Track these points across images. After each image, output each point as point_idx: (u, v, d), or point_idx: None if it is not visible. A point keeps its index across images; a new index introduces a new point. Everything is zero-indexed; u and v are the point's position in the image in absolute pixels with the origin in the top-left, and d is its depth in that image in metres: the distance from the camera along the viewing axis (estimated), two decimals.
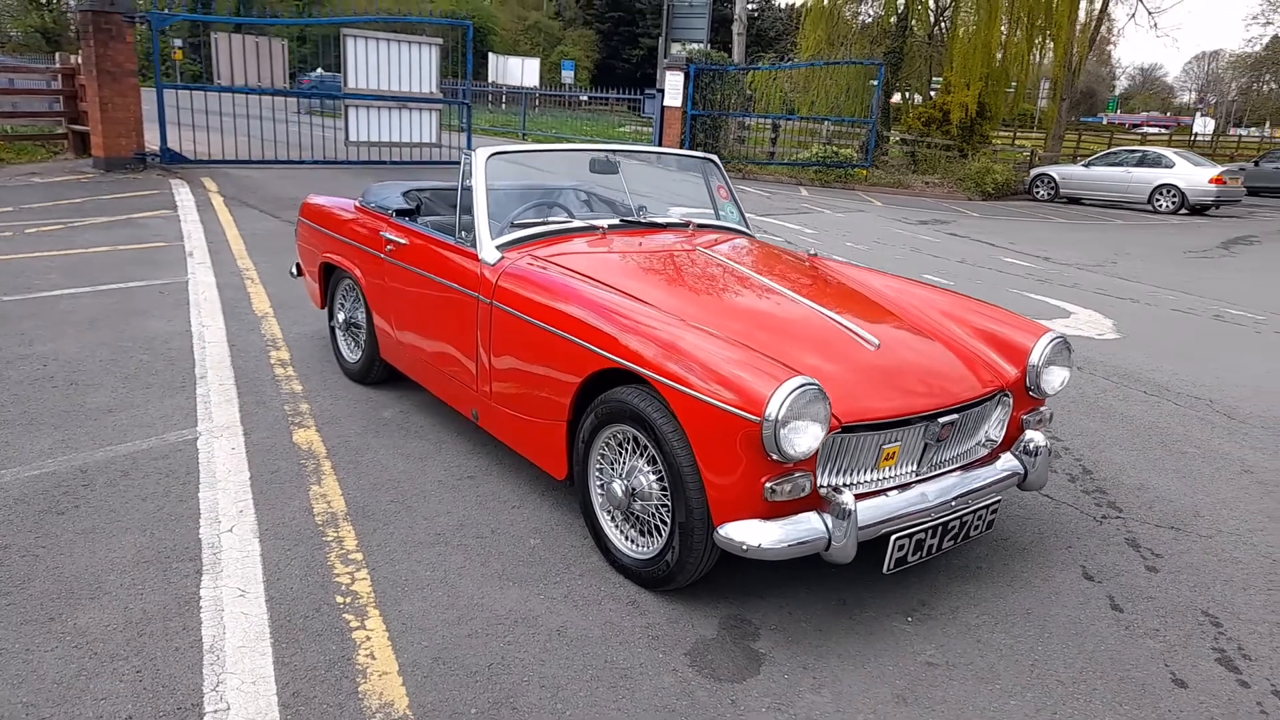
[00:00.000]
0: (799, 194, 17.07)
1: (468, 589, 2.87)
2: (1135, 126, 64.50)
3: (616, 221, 3.94)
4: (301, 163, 14.40)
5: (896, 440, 2.77)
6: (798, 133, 21.00)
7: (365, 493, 3.48)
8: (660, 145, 18.89)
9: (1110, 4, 28.09)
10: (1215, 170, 19.99)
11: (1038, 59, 24.42)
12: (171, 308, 5.94)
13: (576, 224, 3.84)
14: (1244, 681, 2.64)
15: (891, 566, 2.72)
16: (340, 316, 4.71)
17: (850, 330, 3.05)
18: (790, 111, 22.32)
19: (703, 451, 2.56)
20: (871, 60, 20.29)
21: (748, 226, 4.41)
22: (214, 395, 4.39)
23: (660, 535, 2.84)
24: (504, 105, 37.43)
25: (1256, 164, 27.14)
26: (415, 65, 14.74)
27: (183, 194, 11.10)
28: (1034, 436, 3.14)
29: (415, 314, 3.97)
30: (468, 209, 3.72)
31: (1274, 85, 75.88)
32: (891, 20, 23.74)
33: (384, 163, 15.05)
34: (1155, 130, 56.50)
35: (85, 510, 3.21)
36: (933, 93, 26.19)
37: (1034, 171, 22.45)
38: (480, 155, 3.72)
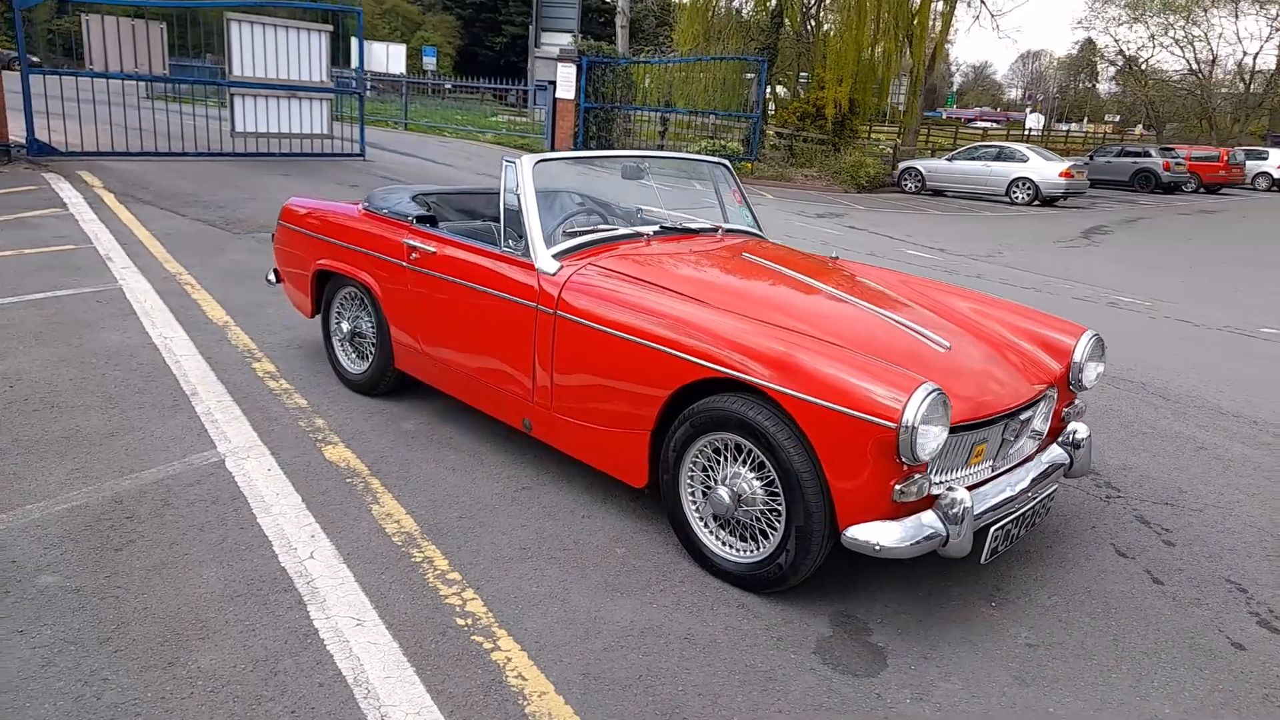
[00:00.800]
0: (695, 188, 17.35)
1: (580, 602, 2.88)
2: (970, 121, 68.76)
3: (657, 228, 3.99)
4: (183, 155, 13.54)
5: (985, 438, 2.97)
6: (684, 126, 21.33)
7: (429, 510, 3.41)
8: (553, 138, 18.81)
9: (957, 5, 29.82)
10: (1065, 165, 21.63)
11: (902, 58, 25.67)
12: (117, 318, 5.55)
13: (623, 231, 3.87)
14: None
15: (988, 557, 2.91)
16: (343, 326, 4.54)
17: (920, 334, 3.23)
18: (669, 104, 22.65)
19: (830, 458, 2.67)
20: (755, 57, 20.82)
21: (761, 230, 4.54)
22: (217, 414, 4.16)
23: (767, 539, 2.94)
24: (378, 94, 36.21)
25: (1091, 158, 29.49)
26: (304, 52, 14.10)
27: (65, 190, 10.27)
28: (1078, 428, 3.42)
29: (449, 324, 3.90)
30: (513, 217, 3.68)
31: (1089, 84, 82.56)
32: (765, 16, 24.41)
33: (274, 155, 14.34)
34: (990, 125, 60.42)
35: (144, 545, 3.02)
36: (800, 89, 27.16)
37: (901, 165, 23.66)
38: (526, 162, 3.69)
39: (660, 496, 3.27)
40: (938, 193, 22.68)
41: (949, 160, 23.11)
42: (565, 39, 34.34)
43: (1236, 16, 46.80)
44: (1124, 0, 44.43)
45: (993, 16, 39.04)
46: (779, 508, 2.87)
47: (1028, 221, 17.23)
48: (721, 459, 3.01)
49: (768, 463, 2.85)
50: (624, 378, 3.21)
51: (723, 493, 2.96)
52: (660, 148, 20.32)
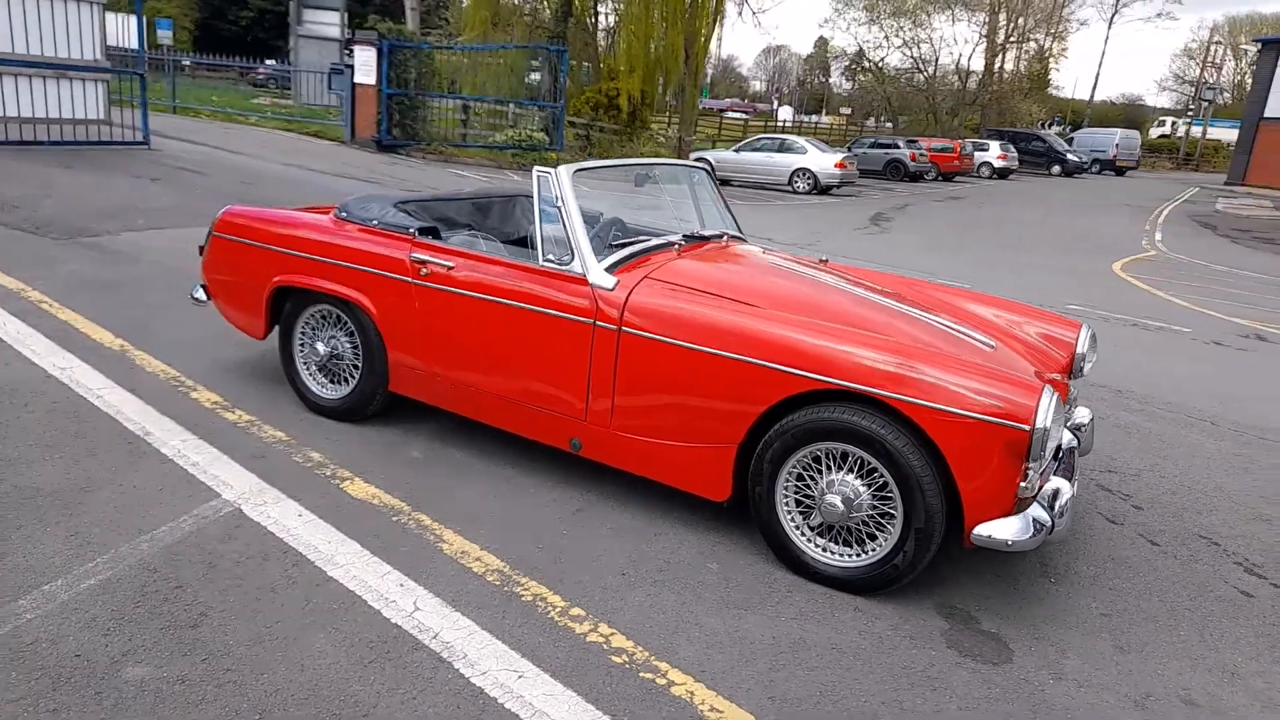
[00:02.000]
0: (513, 179, 17.11)
1: (714, 624, 2.86)
2: (723, 111, 72.52)
3: (680, 237, 3.97)
4: None
5: None
6: (487, 114, 20.90)
7: (502, 543, 3.22)
8: (353, 126, 17.79)
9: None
10: (839, 156, 23.40)
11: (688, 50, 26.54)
12: None
13: (656, 242, 3.81)
14: (1275, 584, 3.52)
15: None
16: (318, 348, 4.12)
17: (967, 335, 3.47)
18: (454, 90, 22.07)
19: (960, 462, 2.82)
20: (555, 46, 20.77)
21: (741, 232, 4.62)
22: (193, 456, 3.67)
23: (875, 542, 3.05)
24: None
25: (849, 150, 32.05)
26: (74, 27, 12.39)
27: None
28: (1083, 412, 3.81)
29: (473, 344, 3.67)
30: (551, 229, 3.53)
31: (823, 79, 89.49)
32: (555, 5, 24.39)
33: (42, 143, 12.49)
34: (740, 115, 63.84)
35: (219, 617, 2.65)
36: (585, 79, 27.40)
37: (693, 156, 24.57)
38: (564, 173, 3.54)
39: (738, 508, 3.30)
40: (725, 182, 23.73)
41: (736, 152, 24.28)
42: (332, 16, 32.41)
43: (953, 21, 52.55)
44: (862, 3, 48.54)
45: (755, 14, 41.20)
46: (891, 511, 2.99)
47: (820, 209, 18.49)
48: (823, 468, 3.09)
49: (881, 468, 2.96)
50: (710, 393, 3.19)
51: (834, 500, 3.03)
52: (464, 137, 19.81)
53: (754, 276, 3.66)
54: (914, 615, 3.02)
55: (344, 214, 4.07)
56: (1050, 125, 56.67)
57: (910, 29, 49.40)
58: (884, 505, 3.01)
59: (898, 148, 31.86)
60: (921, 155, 31.32)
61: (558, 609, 2.85)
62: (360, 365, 4.03)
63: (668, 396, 3.29)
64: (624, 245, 3.67)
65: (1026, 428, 2.73)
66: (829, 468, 3.08)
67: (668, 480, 3.40)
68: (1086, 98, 64.42)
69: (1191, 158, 55.44)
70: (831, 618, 2.96)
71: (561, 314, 3.44)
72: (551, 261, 3.51)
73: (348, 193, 11.99)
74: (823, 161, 22.97)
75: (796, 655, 2.73)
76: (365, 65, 17.03)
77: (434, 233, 3.92)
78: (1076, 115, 63.75)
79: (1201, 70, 58.02)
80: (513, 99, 21.08)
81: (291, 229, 4.12)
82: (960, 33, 74.14)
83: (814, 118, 75.61)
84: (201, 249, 4.48)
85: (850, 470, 3.04)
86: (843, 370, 2.96)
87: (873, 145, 32.68)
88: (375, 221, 3.95)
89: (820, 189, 22.77)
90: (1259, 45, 42.27)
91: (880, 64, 51.76)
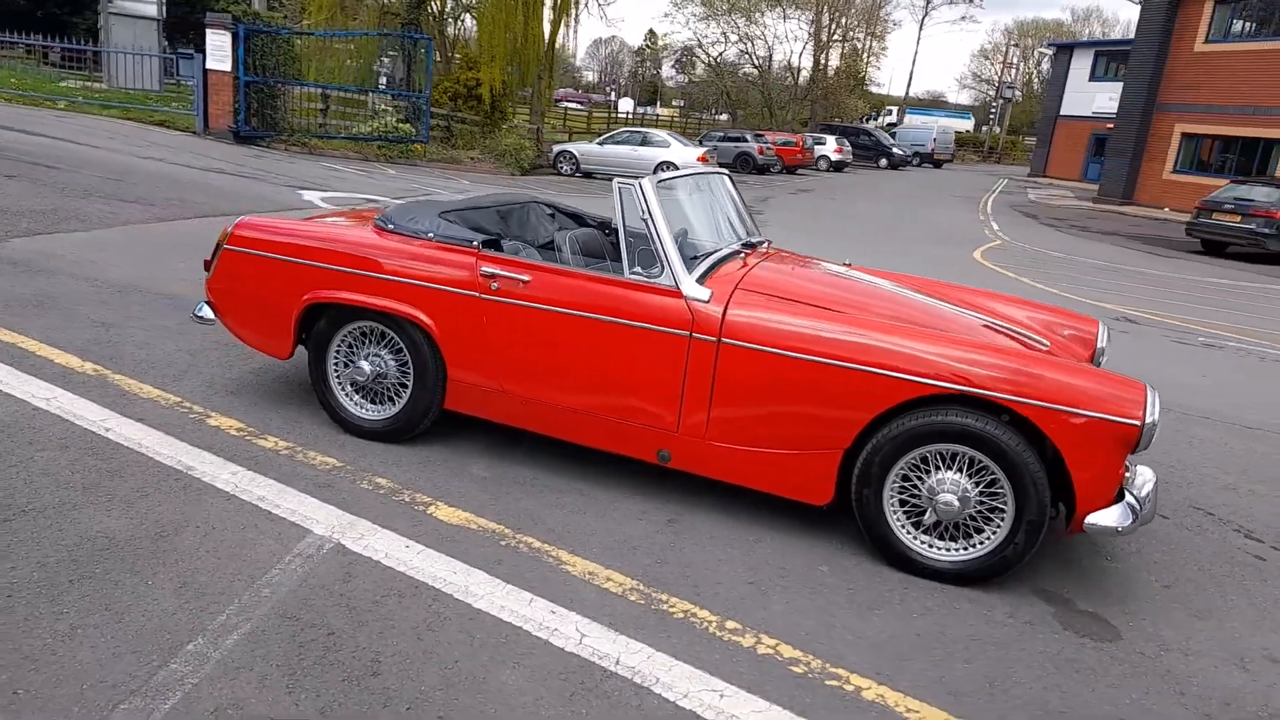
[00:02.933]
0: (387, 172, 16.47)
1: (857, 625, 2.97)
2: (558, 102, 72.41)
3: (739, 245, 4.03)
4: None
5: None
6: (343, 103, 19.97)
7: (620, 560, 3.21)
8: (206, 115, 16.58)
9: None
10: (700, 150, 23.96)
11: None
12: None
13: (726, 251, 3.86)
14: (1275, 547, 3.99)
15: None
16: (363, 368, 3.89)
17: (1023, 335, 3.73)
18: (299, 78, 20.97)
19: (1075, 457, 3.05)
20: (421, 35, 20.11)
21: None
22: (254, 489, 3.42)
23: (983, 535, 3.25)
24: None
25: (700, 142, 32.83)
26: None
27: None
28: None
29: (553, 358, 3.60)
30: (636, 242, 3.52)
31: (654, 71, 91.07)
32: None
33: None
34: (576, 106, 63.91)
35: (394, 663, 2.52)
36: (439, 68, 26.65)
37: (556, 148, 24.47)
38: (649, 185, 3.52)
39: (838, 510, 3.42)
40: (589, 175, 23.82)
41: (600, 144, 24.36)
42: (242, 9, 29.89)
43: (784, 19, 54.65)
44: None
45: (600, 5, 41.29)
46: (999, 505, 3.19)
47: None
48: (931, 467, 3.25)
49: (992, 466, 3.15)
50: (819, 401, 3.29)
51: (949, 498, 3.20)
52: (323, 127, 18.87)
53: (829, 283, 3.79)
54: (1020, 602, 3.24)
55: (390, 226, 3.88)
56: (872, 119, 60.20)
57: (745, 25, 51.00)
58: (991, 500, 3.21)
59: (746, 141, 32.92)
60: (768, 149, 32.46)
61: (713, 623, 2.88)
62: (410, 384, 3.86)
63: (772, 406, 3.36)
64: (703, 256, 3.69)
65: (1138, 423, 2.99)
66: (936, 467, 3.25)
67: (766, 488, 3.48)
68: (901, 94, 68.79)
69: (995, 151, 60.36)
70: (954, 610, 3.14)
71: (655, 326, 3.44)
72: (639, 274, 3.50)
73: (228, 190, 11.23)
74: (685, 155, 23.40)
75: (946, 649, 2.89)
76: (219, 50, 15.89)
77: (495, 244, 3.81)
78: (885, 111, 67.88)
79: (1002, 71, 63.27)
80: (373, 88, 20.23)
81: (328, 242, 3.88)
82: (791, 29, 77.27)
83: (651, 109, 76.88)
84: (208, 263, 4.13)
85: (957, 469, 3.22)
86: (963, 377, 3.12)
87: (723, 139, 33.60)
88: (431, 234, 3.79)
89: None
90: (1052, 50, 46.58)
91: (719, 59, 53.16)
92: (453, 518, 3.38)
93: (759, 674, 2.64)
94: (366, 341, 3.95)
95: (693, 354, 3.42)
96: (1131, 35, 30.87)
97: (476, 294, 3.65)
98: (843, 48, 55.95)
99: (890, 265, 11.77)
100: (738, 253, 3.93)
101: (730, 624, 2.89)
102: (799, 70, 53.53)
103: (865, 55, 59.58)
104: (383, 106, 20.32)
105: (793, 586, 3.17)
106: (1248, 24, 25.84)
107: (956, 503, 3.21)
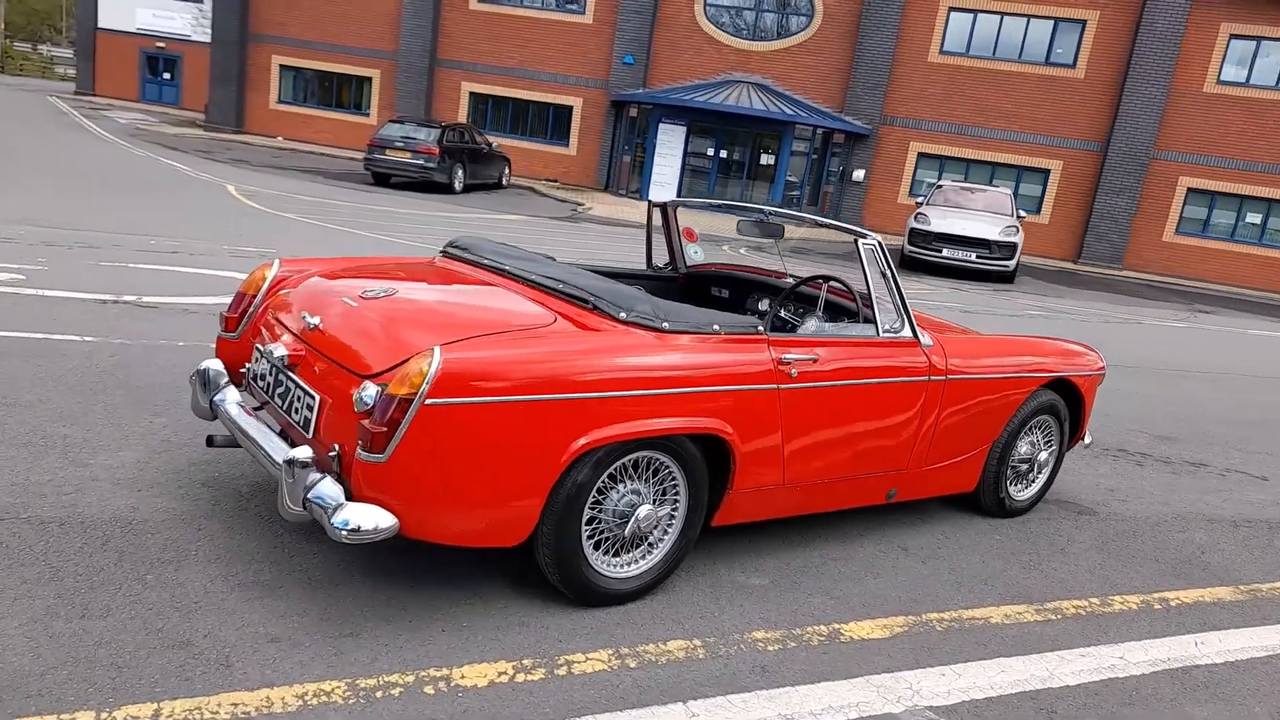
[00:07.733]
0: None
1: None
2: None
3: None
4: None
5: None
6: None
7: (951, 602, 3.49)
8: None
9: None
10: None
11: None
12: None
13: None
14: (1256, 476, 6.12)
15: None
16: (640, 513, 2.83)
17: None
18: None
19: (1090, 403, 4.52)
20: None
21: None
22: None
23: (1033, 480, 4.50)
24: None
25: None
26: None
27: None
28: None
29: (827, 437, 3.38)
30: (882, 300, 3.57)
31: None
32: None
33: None
34: None
35: None
36: None
37: None
38: (874, 241, 3.53)
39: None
40: None
41: None
42: None
43: None
44: None
45: None
46: (1050, 453, 4.49)
47: None
48: (1036, 433, 4.34)
49: (1053, 425, 4.42)
50: (989, 406, 4.02)
51: (1046, 455, 4.36)
52: None
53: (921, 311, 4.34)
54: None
55: (666, 325, 2.89)
56: None
57: None
58: (1048, 449, 4.46)
59: None
60: None
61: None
62: (679, 517, 3.07)
63: (968, 418, 3.94)
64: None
65: (1102, 370, 4.60)
66: (1032, 431, 4.34)
67: (946, 491, 4.06)
68: None
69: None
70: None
71: (908, 379, 3.61)
72: (890, 332, 3.57)
73: None
74: None
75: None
76: None
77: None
78: None
79: None
80: None
81: (607, 356, 2.69)
82: None
83: None
84: (371, 442, 2.34)
85: (1043, 433, 4.38)
86: (1056, 367, 4.25)
87: None
88: (717, 326, 2.98)
89: None
90: None
91: None
92: (856, 634, 3.07)
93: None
94: (618, 481, 2.92)
95: (928, 396, 3.71)
96: None
97: (778, 386, 3.13)
98: None
99: (134, 220, 9.77)
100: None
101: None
102: None
103: None
104: None
105: (1009, 597, 3.94)
106: None
107: (1053, 456, 4.38)
